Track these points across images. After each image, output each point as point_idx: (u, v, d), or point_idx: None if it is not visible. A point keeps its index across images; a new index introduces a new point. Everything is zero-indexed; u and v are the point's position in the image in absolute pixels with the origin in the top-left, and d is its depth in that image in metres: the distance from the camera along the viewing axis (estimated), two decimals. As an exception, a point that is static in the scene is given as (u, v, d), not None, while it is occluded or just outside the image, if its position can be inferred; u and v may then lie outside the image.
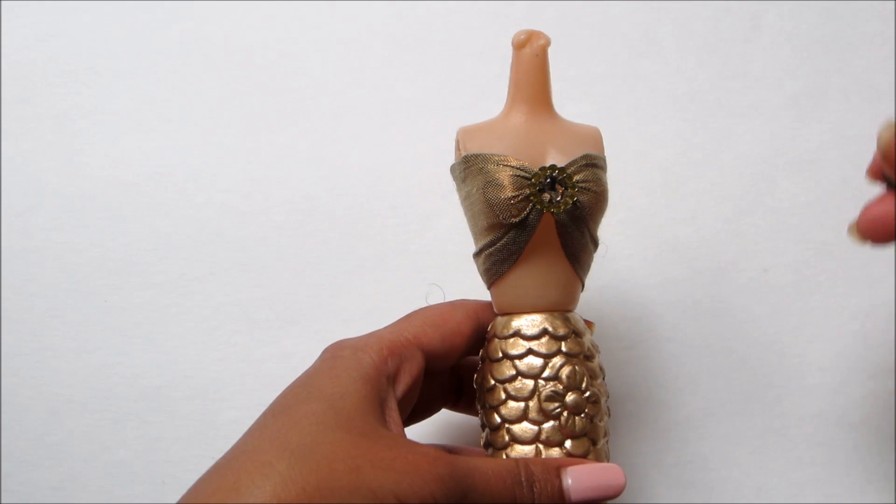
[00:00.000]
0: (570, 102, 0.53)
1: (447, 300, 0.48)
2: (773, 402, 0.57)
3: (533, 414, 0.43)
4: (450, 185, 0.46)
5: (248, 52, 0.61)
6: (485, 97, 0.58)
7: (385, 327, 0.44)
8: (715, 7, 0.61)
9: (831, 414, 0.57)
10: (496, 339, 0.45)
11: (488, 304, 0.47)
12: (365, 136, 0.60)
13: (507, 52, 0.45)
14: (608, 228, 0.58)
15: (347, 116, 0.60)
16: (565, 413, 0.43)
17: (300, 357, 0.43)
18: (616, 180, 0.48)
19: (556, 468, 0.41)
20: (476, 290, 0.47)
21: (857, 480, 0.56)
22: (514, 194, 0.42)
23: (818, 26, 0.60)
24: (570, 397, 0.43)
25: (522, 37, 0.43)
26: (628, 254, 0.59)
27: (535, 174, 0.42)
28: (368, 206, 0.60)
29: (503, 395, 0.43)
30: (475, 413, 0.46)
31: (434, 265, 0.59)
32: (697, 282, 0.58)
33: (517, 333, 0.44)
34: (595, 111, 0.60)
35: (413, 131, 0.60)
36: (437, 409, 0.50)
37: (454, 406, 0.50)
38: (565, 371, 0.43)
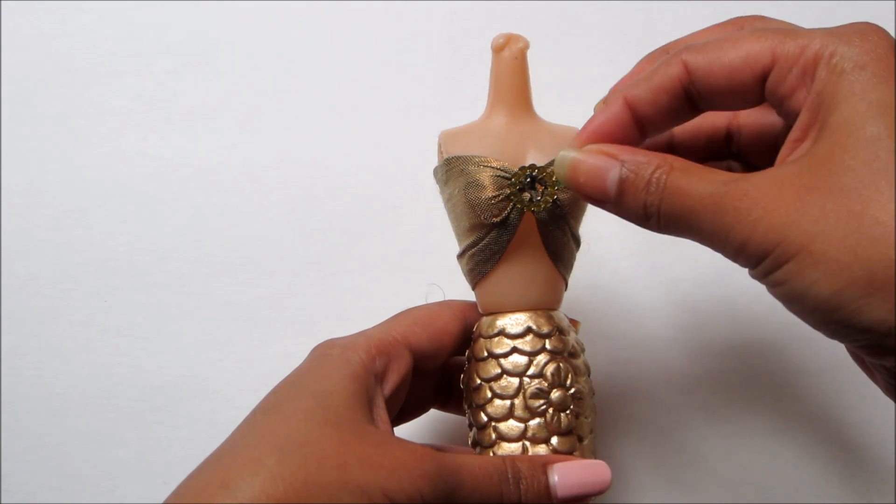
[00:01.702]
0: (570, 103, 0.53)
1: (447, 300, 0.48)
2: (774, 402, 0.57)
3: (519, 411, 0.43)
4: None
5: (248, 53, 0.61)
6: (485, 97, 0.58)
7: (374, 326, 0.44)
8: (715, 7, 0.60)
9: (831, 414, 0.57)
10: (481, 339, 0.45)
11: (476, 305, 0.47)
12: (364, 137, 0.60)
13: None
14: (608, 228, 0.58)
15: (347, 117, 0.60)
16: (550, 410, 0.43)
17: (300, 357, 0.43)
18: (616, 180, 0.48)
19: (543, 465, 0.41)
20: (476, 289, 0.47)
21: (857, 480, 0.56)
22: (494, 194, 0.42)
23: (818, 26, 0.60)
24: (554, 394, 0.43)
25: (501, 40, 0.44)
26: (627, 254, 0.58)
27: (515, 174, 0.42)
28: (368, 206, 0.60)
29: (489, 394, 0.43)
30: (463, 413, 0.46)
31: (434, 265, 0.59)
32: (697, 282, 0.58)
33: (502, 332, 0.44)
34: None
35: (413, 131, 0.60)
36: (426, 409, 0.50)
37: (443, 406, 0.50)
38: (550, 368, 0.43)
